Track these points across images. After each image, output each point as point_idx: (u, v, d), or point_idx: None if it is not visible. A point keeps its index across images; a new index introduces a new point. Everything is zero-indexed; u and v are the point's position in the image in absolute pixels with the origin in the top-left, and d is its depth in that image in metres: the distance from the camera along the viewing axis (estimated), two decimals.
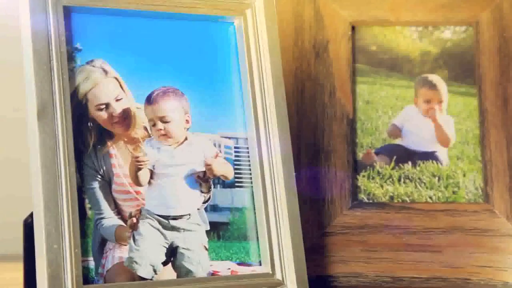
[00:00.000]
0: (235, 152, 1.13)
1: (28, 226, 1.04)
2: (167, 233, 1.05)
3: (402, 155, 1.24)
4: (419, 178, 1.23)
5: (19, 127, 1.12)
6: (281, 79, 1.15)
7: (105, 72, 1.05)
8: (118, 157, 1.06)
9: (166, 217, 1.05)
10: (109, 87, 1.05)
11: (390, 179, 1.24)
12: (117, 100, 1.05)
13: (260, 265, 1.11)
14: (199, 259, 1.06)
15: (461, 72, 1.26)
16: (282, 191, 1.11)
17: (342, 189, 1.23)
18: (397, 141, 1.26)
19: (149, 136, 1.07)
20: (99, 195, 1.04)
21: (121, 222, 1.04)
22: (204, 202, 1.09)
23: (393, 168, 1.24)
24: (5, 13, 1.49)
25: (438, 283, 1.20)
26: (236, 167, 1.12)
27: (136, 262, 1.02)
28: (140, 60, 1.08)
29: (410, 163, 1.24)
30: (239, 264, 1.10)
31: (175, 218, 1.06)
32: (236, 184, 1.12)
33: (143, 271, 1.02)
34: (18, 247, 1.08)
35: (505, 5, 1.24)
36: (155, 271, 1.03)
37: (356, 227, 1.22)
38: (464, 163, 1.24)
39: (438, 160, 1.24)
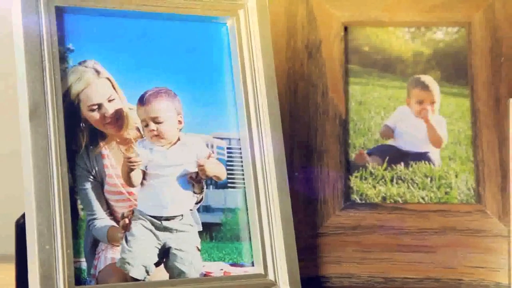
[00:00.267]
0: (228, 152, 1.13)
1: (20, 227, 1.03)
2: (160, 234, 1.05)
3: (395, 156, 1.25)
4: (411, 179, 1.24)
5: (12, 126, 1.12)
6: (274, 79, 1.15)
7: (98, 72, 1.05)
8: (111, 157, 1.05)
9: (159, 218, 1.05)
10: (101, 88, 1.05)
11: (383, 180, 1.24)
12: (109, 101, 1.05)
13: (253, 265, 1.11)
14: (192, 260, 1.06)
15: (453, 73, 1.26)
16: (275, 192, 1.11)
17: (335, 190, 1.23)
18: (390, 142, 1.26)
19: (142, 137, 1.07)
20: (91, 195, 1.03)
21: (113, 223, 1.04)
22: (196, 203, 1.08)
23: (385, 169, 1.24)
24: None
25: (431, 283, 1.20)
26: (228, 167, 1.12)
27: (129, 263, 1.02)
28: (132, 61, 1.08)
29: (402, 163, 1.24)
30: (231, 265, 1.10)
31: (167, 219, 1.06)
32: (229, 184, 1.12)
33: (136, 272, 1.02)
34: (10, 248, 1.08)
35: (497, 6, 1.24)
36: (147, 272, 1.03)
37: (349, 228, 1.22)
38: (457, 164, 1.24)
39: (430, 160, 1.24)
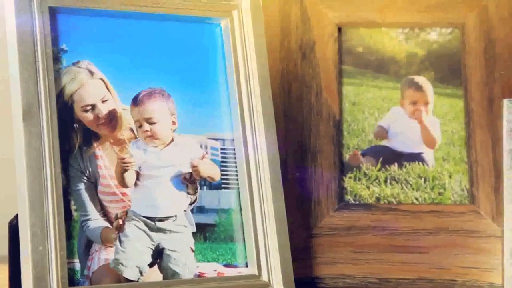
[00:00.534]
0: (222, 153, 1.13)
1: (13, 228, 1.03)
2: (153, 234, 1.05)
3: (389, 157, 1.25)
4: (405, 180, 1.24)
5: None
6: (268, 80, 1.15)
7: (91, 73, 1.05)
8: (104, 158, 1.05)
9: (152, 219, 1.05)
10: (95, 88, 1.05)
11: (377, 181, 1.24)
12: (103, 101, 1.05)
13: (247, 266, 1.11)
14: (186, 260, 1.06)
15: (447, 74, 1.26)
16: (269, 193, 1.11)
17: (329, 190, 1.23)
18: (384, 143, 1.26)
19: (135, 138, 1.07)
20: (85, 196, 1.03)
21: (107, 224, 1.04)
22: (190, 204, 1.08)
23: (379, 170, 1.24)
24: None
25: (424, 284, 1.20)
26: (222, 168, 1.12)
27: (122, 264, 1.02)
28: (126, 61, 1.08)
29: (396, 164, 1.24)
30: (225, 265, 1.10)
31: (161, 219, 1.06)
32: (223, 185, 1.12)
33: (129, 272, 1.02)
34: (3, 249, 1.08)
35: (490, 7, 1.24)
36: (141, 272, 1.03)
37: (343, 229, 1.22)
38: (450, 165, 1.24)
39: (424, 161, 1.24)
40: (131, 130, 1.07)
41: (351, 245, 1.21)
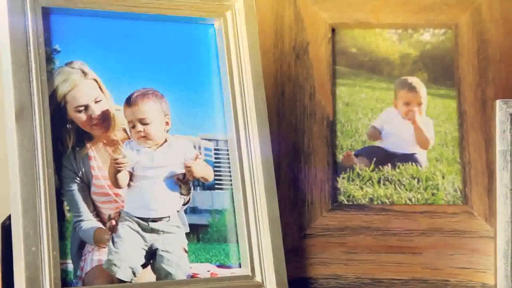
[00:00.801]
0: (215, 154, 1.12)
1: (6, 228, 1.03)
2: (147, 235, 1.05)
3: (382, 157, 1.25)
4: (398, 180, 1.24)
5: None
6: (261, 81, 1.15)
7: (84, 73, 1.05)
8: (97, 159, 1.05)
9: (146, 220, 1.05)
10: (88, 89, 1.05)
11: (370, 181, 1.24)
12: (96, 102, 1.05)
13: (240, 267, 1.11)
14: (179, 261, 1.06)
15: (440, 75, 1.26)
16: (262, 193, 1.11)
17: (322, 191, 1.23)
18: (377, 143, 1.26)
19: (129, 138, 1.06)
20: (78, 197, 1.03)
21: (100, 225, 1.04)
22: (183, 204, 1.08)
23: (372, 170, 1.24)
24: None
25: (417, 284, 1.20)
26: (216, 169, 1.12)
27: (115, 265, 1.02)
28: (119, 62, 1.08)
29: (389, 165, 1.24)
30: (218, 266, 1.10)
31: (154, 220, 1.05)
32: (216, 186, 1.12)
33: (122, 273, 1.02)
34: None
35: (483, 8, 1.25)
36: (134, 273, 1.03)
37: (336, 229, 1.22)
38: (443, 165, 1.24)
39: (417, 162, 1.25)
40: (124, 130, 1.07)
41: (344, 245, 1.21)
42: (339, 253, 1.21)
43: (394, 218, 1.22)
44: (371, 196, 1.23)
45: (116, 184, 1.04)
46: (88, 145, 1.05)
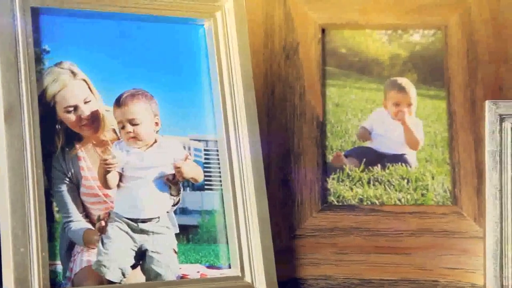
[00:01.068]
0: (205, 154, 1.12)
1: None
2: (136, 236, 1.05)
3: (372, 158, 1.25)
4: (388, 181, 1.24)
5: None
6: (251, 81, 1.15)
7: (74, 74, 1.04)
8: (87, 159, 1.05)
9: (135, 220, 1.05)
10: (77, 89, 1.04)
11: (360, 182, 1.24)
12: (85, 102, 1.05)
13: (230, 268, 1.10)
14: (168, 262, 1.05)
15: (430, 75, 1.27)
16: (252, 194, 1.11)
17: (312, 192, 1.23)
18: (367, 144, 1.26)
19: (118, 139, 1.06)
20: (67, 198, 1.03)
21: (89, 226, 1.03)
22: (173, 205, 1.08)
23: (362, 171, 1.24)
24: None
25: (407, 285, 1.20)
26: (205, 169, 1.12)
27: (105, 266, 1.02)
28: (109, 62, 1.07)
29: (379, 165, 1.25)
30: (208, 267, 1.10)
31: (144, 221, 1.05)
32: (206, 186, 1.11)
33: (112, 274, 1.02)
34: None
35: (473, 9, 1.25)
36: (123, 274, 1.03)
37: (326, 230, 1.22)
38: (433, 166, 1.24)
39: (407, 162, 1.25)
40: (114, 131, 1.06)
41: (334, 246, 1.21)
42: (329, 253, 1.21)
43: (384, 218, 1.22)
44: (361, 196, 1.24)
45: (105, 184, 1.04)
46: (77, 145, 1.05)
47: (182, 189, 1.08)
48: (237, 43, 1.14)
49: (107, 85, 1.06)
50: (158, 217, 1.06)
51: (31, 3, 1.02)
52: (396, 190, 1.24)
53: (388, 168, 1.24)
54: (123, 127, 1.05)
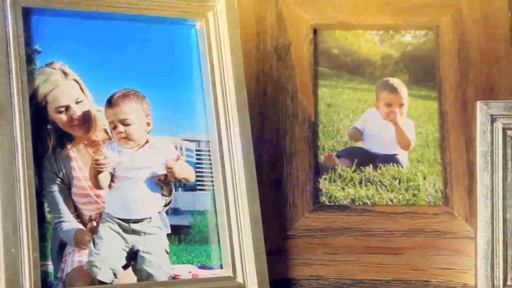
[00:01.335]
0: (197, 155, 1.12)
1: None
2: (128, 236, 1.04)
3: (363, 158, 1.25)
4: (380, 181, 1.24)
5: None
6: (243, 82, 1.15)
7: (65, 74, 1.04)
8: (78, 160, 1.05)
9: (127, 221, 1.05)
10: (69, 90, 1.04)
11: (352, 182, 1.24)
12: (77, 103, 1.05)
13: (222, 268, 1.10)
14: (160, 262, 1.05)
15: (421, 76, 1.27)
16: (244, 194, 1.11)
17: (304, 192, 1.23)
18: (359, 144, 1.26)
19: (110, 139, 1.06)
20: (59, 198, 1.02)
21: (80, 226, 1.03)
22: (165, 205, 1.08)
23: (354, 171, 1.24)
24: None
25: (399, 285, 1.21)
26: (197, 170, 1.12)
27: (96, 266, 1.01)
28: (100, 63, 1.07)
29: (371, 166, 1.25)
30: (200, 267, 1.10)
31: (135, 221, 1.05)
32: (198, 187, 1.11)
33: (103, 275, 1.02)
34: None
35: (464, 10, 1.25)
36: (115, 275, 1.02)
37: (318, 230, 1.22)
38: (424, 166, 1.25)
39: (398, 163, 1.25)
40: (106, 131, 1.06)
41: (326, 246, 1.21)
42: (321, 254, 1.21)
43: (376, 218, 1.22)
44: (352, 197, 1.24)
45: (97, 185, 1.04)
46: (69, 146, 1.04)
47: (174, 190, 1.08)
48: (229, 43, 1.14)
49: (98, 85, 1.06)
50: (150, 218, 1.06)
51: (22, 3, 1.02)
52: (387, 191, 1.24)
53: (379, 169, 1.25)
54: (114, 127, 1.05)
